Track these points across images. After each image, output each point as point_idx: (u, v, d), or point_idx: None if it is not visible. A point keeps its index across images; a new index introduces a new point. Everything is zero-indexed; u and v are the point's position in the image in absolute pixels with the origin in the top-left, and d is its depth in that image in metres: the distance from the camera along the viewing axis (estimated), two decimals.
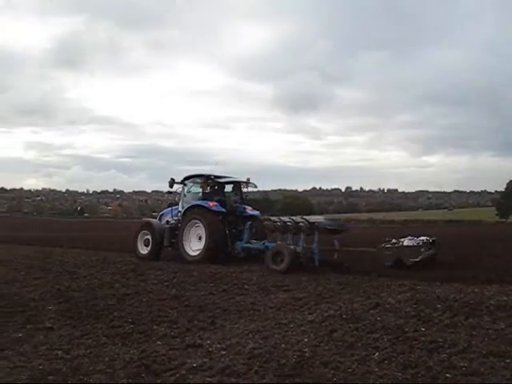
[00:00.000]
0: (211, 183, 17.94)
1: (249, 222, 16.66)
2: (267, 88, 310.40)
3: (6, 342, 6.98)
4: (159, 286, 11.82)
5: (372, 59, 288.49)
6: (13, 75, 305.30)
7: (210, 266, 14.94)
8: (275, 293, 10.67)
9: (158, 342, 6.89)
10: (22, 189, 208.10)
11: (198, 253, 16.64)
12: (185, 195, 18.55)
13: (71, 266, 15.73)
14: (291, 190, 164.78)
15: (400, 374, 5.41)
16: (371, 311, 8.48)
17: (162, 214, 19.58)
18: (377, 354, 6.11)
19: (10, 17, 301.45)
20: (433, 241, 14.74)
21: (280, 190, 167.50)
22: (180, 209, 18.27)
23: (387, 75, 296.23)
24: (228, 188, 18.91)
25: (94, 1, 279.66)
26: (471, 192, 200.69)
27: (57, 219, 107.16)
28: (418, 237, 14.92)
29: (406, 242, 14.54)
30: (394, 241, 14.87)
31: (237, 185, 18.83)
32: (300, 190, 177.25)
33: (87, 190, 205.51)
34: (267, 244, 15.65)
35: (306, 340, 6.81)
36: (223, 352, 6.34)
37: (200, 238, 16.84)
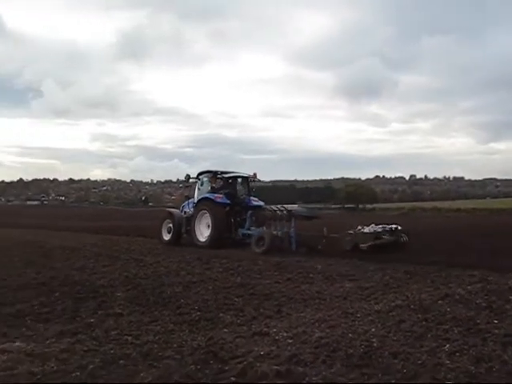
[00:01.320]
0: (219, 178, 20.22)
1: (249, 212, 18.64)
2: (328, 76, 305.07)
3: (79, 326, 7.21)
4: (224, 274, 11.95)
5: (436, 44, 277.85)
6: (79, 69, 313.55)
7: (274, 256, 15.06)
8: (341, 282, 10.59)
9: (225, 330, 6.94)
10: (88, 179, 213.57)
11: (206, 239, 18.80)
12: (199, 189, 20.51)
13: (138, 254, 16.14)
14: (354, 179, 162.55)
15: (473, 368, 5.23)
16: (440, 302, 8.29)
17: (184, 206, 21.42)
18: (447, 345, 5.95)
19: (77, 13, 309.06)
20: (395, 228, 16.33)
21: (343, 178, 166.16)
22: (195, 201, 20.19)
23: (452, 60, 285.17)
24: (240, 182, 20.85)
25: None
26: None
27: (122, 208, 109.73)
28: (389, 224, 16.80)
29: (366, 229, 16.28)
30: (359, 227, 16.57)
31: (244, 179, 20.70)
32: (363, 178, 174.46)
33: (151, 180, 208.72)
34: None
35: (373, 330, 6.72)
36: (290, 340, 6.33)
37: (208, 226, 18.93)
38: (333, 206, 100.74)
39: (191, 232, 19.59)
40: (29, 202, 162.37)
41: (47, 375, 5.22)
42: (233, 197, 19.53)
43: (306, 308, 8.23)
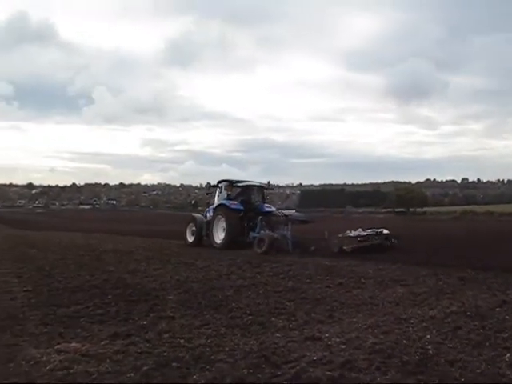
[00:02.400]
0: (235, 186, 22.23)
1: (260, 217, 20.15)
2: (376, 78, 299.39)
3: (132, 328, 7.30)
4: (275, 278, 11.94)
5: (487, 43, 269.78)
6: (128, 76, 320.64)
7: (325, 259, 14.99)
8: (393, 287, 10.42)
9: (277, 334, 6.89)
10: (139, 184, 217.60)
11: (221, 241, 20.51)
12: (218, 196, 22.33)
13: (188, 258, 16.28)
14: (404, 182, 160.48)
15: None
16: (498, 309, 8.08)
17: (207, 211, 23.15)
18: (508, 355, 5.75)
19: (126, 21, 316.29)
20: (380, 232, 18.00)
21: (392, 182, 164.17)
22: (214, 207, 21.95)
23: (504, 59, 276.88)
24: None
25: (202, 0, 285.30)
26: None
27: (172, 212, 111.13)
28: (378, 228, 18.55)
29: (352, 233, 17.93)
30: (347, 232, 18.20)
31: (258, 188, 22.66)
32: (413, 181, 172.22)
33: (200, 184, 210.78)
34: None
35: (428, 337, 6.57)
36: (343, 346, 6.24)
37: (224, 230, 20.64)
38: (383, 210, 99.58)
39: (210, 235, 21.32)
40: (81, 206, 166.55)
41: (102, 375, 5.31)
42: (247, 203, 21.30)
43: (358, 313, 8.11)
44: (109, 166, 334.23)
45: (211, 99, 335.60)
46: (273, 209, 21.63)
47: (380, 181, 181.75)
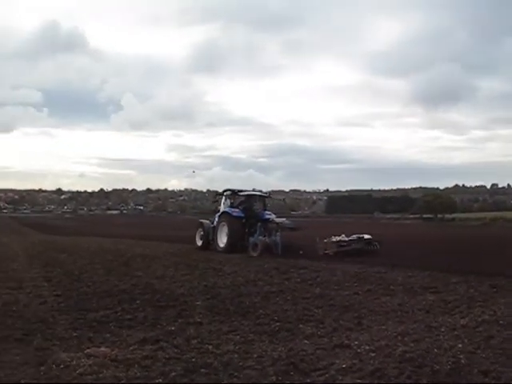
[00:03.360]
0: (238, 195, 23.78)
1: (258, 224, 21.36)
2: (403, 83, 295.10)
3: (160, 333, 7.32)
4: (303, 284, 11.88)
5: None
6: (156, 83, 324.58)
7: (353, 266, 14.87)
8: (422, 294, 10.29)
9: (305, 341, 6.85)
10: (166, 189, 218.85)
11: (224, 245, 21.92)
12: (223, 204, 24.12)
13: (216, 264, 16.28)
14: (432, 188, 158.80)
15: None
16: None
17: (214, 218, 24.27)
18: None
19: (153, 29, 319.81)
20: (361, 237, 19.39)
21: (420, 187, 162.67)
22: (219, 214, 23.54)
23: None
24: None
25: (229, 7, 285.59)
26: None
27: (199, 218, 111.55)
28: (361, 234, 19.85)
29: (335, 238, 19.45)
30: (332, 236, 19.77)
31: (260, 197, 24.69)
32: (441, 187, 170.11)
33: None
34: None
35: (460, 346, 6.45)
36: (372, 354, 6.16)
37: (226, 235, 22.09)
38: (410, 216, 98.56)
39: (215, 239, 22.91)
40: (109, 212, 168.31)
41: (131, 380, 5.32)
42: (248, 211, 22.81)
43: (387, 321, 8.02)
44: (136, 171, 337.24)
45: (238, 105, 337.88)
46: (272, 216, 23.04)
47: (407, 187, 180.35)
